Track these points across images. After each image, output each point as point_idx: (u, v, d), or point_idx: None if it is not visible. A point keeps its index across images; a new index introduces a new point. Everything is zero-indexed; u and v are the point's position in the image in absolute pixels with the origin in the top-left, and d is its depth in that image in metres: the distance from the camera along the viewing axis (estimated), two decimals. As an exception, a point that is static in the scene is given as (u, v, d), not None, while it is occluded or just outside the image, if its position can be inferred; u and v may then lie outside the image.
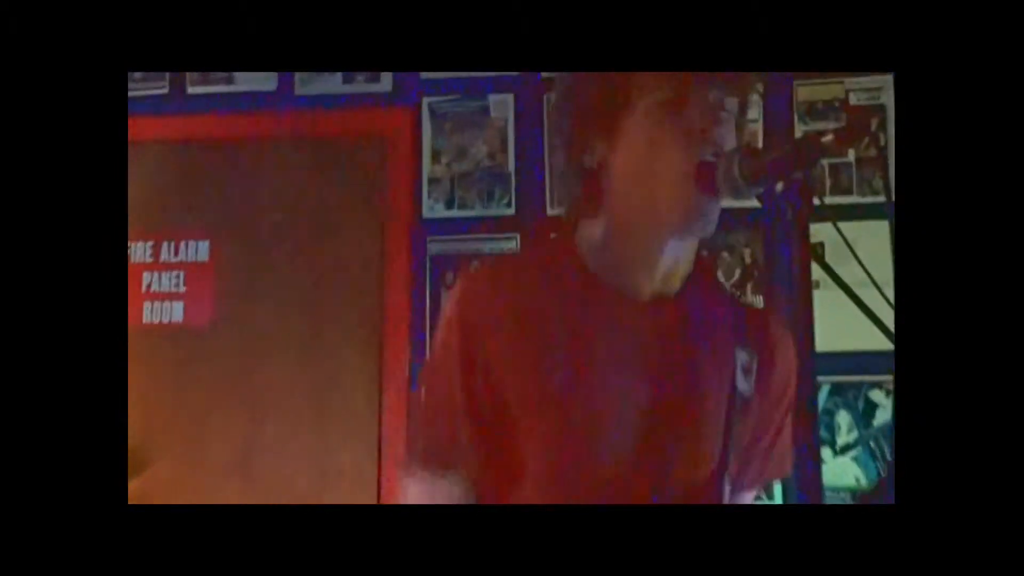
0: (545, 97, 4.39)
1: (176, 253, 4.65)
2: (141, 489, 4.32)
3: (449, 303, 1.92)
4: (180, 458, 4.44)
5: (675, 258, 1.91)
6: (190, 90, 4.57)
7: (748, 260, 4.22)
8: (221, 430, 4.54)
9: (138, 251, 4.64)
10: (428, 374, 1.95)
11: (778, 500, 3.82)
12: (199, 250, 4.66)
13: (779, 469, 2.05)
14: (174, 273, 4.64)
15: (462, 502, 1.89)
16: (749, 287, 4.22)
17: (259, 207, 4.65)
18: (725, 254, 4.21)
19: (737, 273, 4.22)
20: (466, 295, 1.90)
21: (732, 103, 1.84)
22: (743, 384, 1.94)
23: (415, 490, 1.92)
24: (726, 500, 1.91)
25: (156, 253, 4.66)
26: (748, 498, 2.07)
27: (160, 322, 4.59)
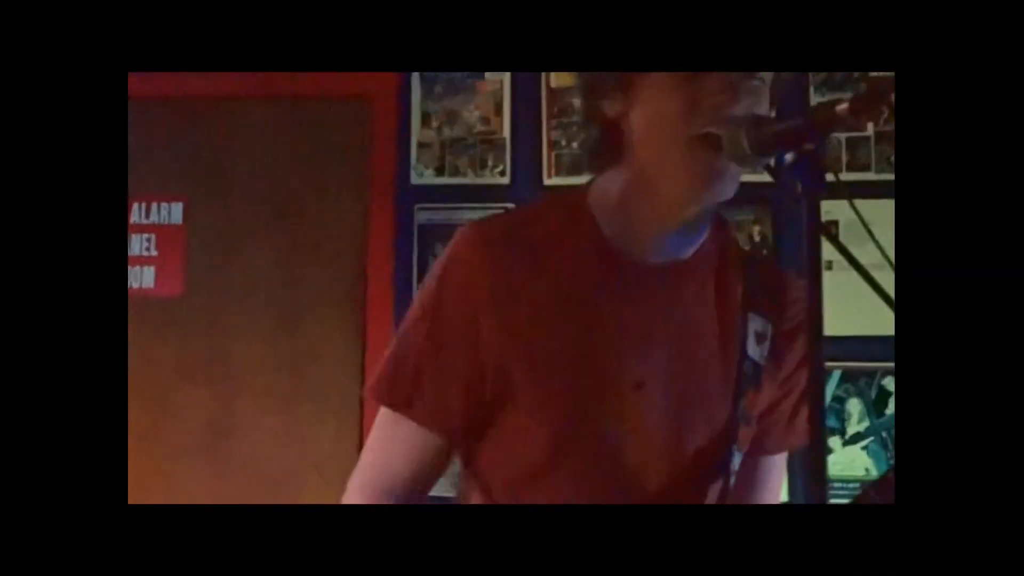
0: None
1: (148, 215, 4.68)
2: None
3: (449, 247, 1.98)
4: (142, 436, 4.44)
5: (690, 223, 1.97)
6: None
7: (757, 237, 4.26)
8: (188, 407, 4.58)
9: None
10: (409, 316, 2.04)
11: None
12: (172, 212, 4.70)
13: (801, 436, 2.08)
14: (145, 236, 4.67)
15: (421, 446, 1.98)
16: (758, 257, 4.26)
17: (236, 170, 4.69)
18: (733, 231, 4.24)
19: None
20: (466, 245, 1.96)
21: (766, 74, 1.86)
22: (754, 351, 2.01)
23: (379, 424, 2.02)
24: (735, 468, 1.99)
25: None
26: (777, 462, 2.14)
27: (131, 287, 4.59)
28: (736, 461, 2.01)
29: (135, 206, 4.67)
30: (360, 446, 4.27)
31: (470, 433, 2.00)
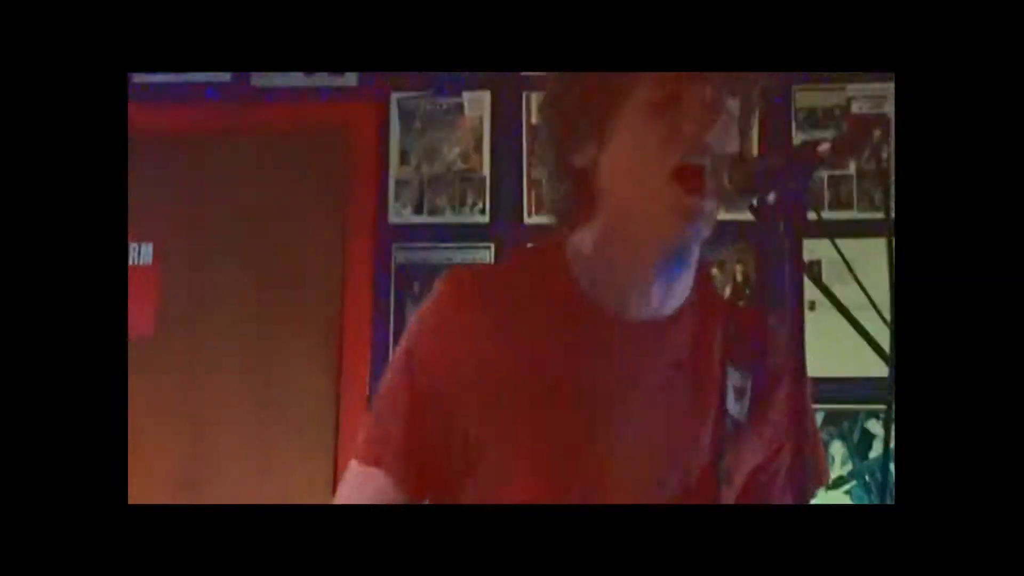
0: (524, 94, 4.39)
1: (118, 256, 4.67)
2: None
3: (424, 305, 1.98)
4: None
5: (670, 279, 1.95)
6: (135, 79, 4.30)
7: (739, 277, 4.26)
8: (162, 448, 4.51)
9: None
10: (386, 374, 2.00)
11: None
12: (142, 253, 4.65)
13: (817, 478, 2.06)
14: None
15: (386, 500, 1.95)
16: (741, 305, 4.19)
17: (208, 208, 4.65)
18: (715, 270, 4.17)
19: (727, 291, 4.24)
20: (441, 302, 1.96)
21: (733, 105, 1.86)
22: (734, 407, 1.97)
23: (347, 477, 2.00)
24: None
25: None
26: None
27: None
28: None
29: (104, 248, 4.61)
30: (334, 487, 4.30)
31: (443, 490, 1.99)
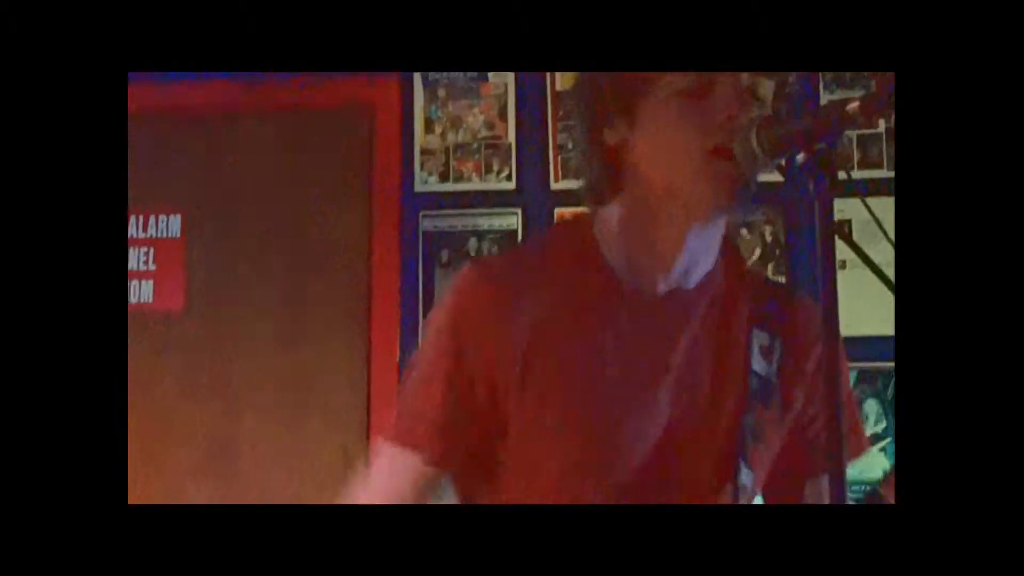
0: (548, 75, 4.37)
1: (145, 228, 4.65)
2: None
3: (453, 287, 2.00)
4: (145, 457, 4.41)
5: (696, 252, 1.99)
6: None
7: (769, 238, 4.24)
8: (192, 426, 4.55)
9: None
10: (418, 354, 2.04)
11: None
12: (171, 225, 4.67)
13: (856, 447, 2.10)
14: (143, 249, 4.61)
15: (423, 486, 2.00)
16: (771, 267, 4.24)
17: (235, 180, 4.66)
18: (744, 231, 4.20)
19: (757, 252, 4.23)
20: (470, 284, 1.98)
21: (767, 87, 1.88)
22: (760, 366, 2.03)
23: (379, 462, 2.05)
24: (744, 484, 1.99)
25: None
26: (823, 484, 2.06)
27: (129, 302, 4.53)
28: (747, 478, 2.01)
29: (132, 219, 4.64)
30: (367, 462, 4.32)
31: (473, 470, 2.03)
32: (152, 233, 4.69)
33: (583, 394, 1.96)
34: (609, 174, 1.99)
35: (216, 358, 4.61)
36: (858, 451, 2.14)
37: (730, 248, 2.09)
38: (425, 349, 2.04)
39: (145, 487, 4.30)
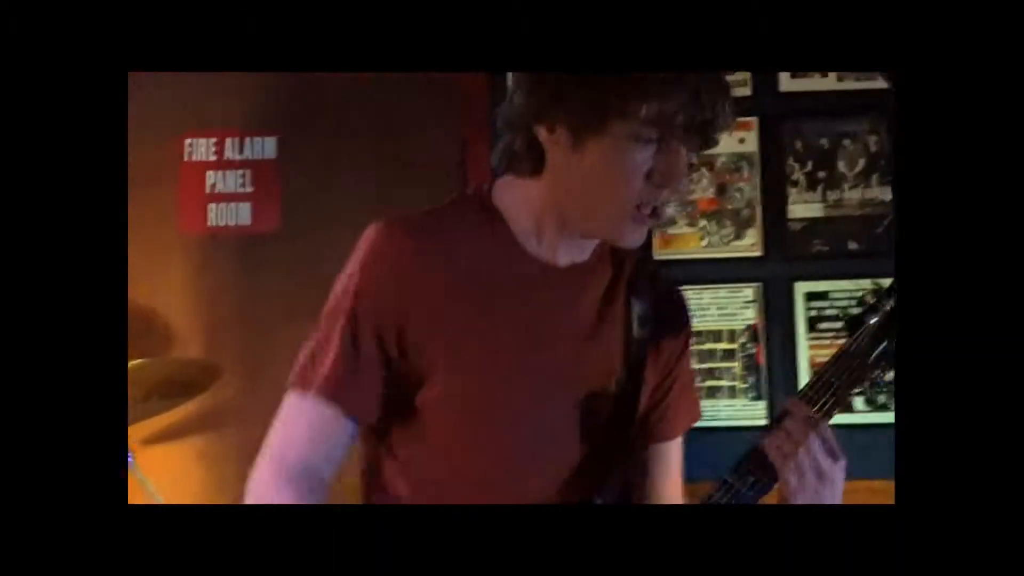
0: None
1: (241, 150, 4.71)
2: (206, 408, 4.47)
3: (362, 242, 2.12)
4: (252, 373, 4.53)
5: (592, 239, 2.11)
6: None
7: (874, 148, 4.22)
8: (290, 345, 4.66)
9: (200, 148, 4.70)
10: (331, 306, 2.15)
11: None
12: (265, 146, 4.72)
13: (695, 415, 2.27)
14: (239, 172, 4.70)
15: (341, 431, 2.06)
16: (875, 178, 4.24)
17: (328, 102, 4.66)
18: (847, 142, 4.20)
19: (861, 163, 4.23)
20: (380, 239, 2.08)
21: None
22: (639, 333, 2.14)
23: (287, 409, 2.11)
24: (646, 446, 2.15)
25: (220, 150, 4.71)
26: (674, 447, 2.27)
27: (227, 224, 4.66)
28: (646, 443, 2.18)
29: (228, 141, 4.71)
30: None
31: (385, 419, 2.09)
32: (248, 155, 4.74)
33: (487, 359, 2.03)
34: (531, 156, 2.05)
35: (312, 278, 4.60)
36: (693, 419, 2.29)
37: None
38: (335, 294, 2.15)
39: (248, 403, 4.49)
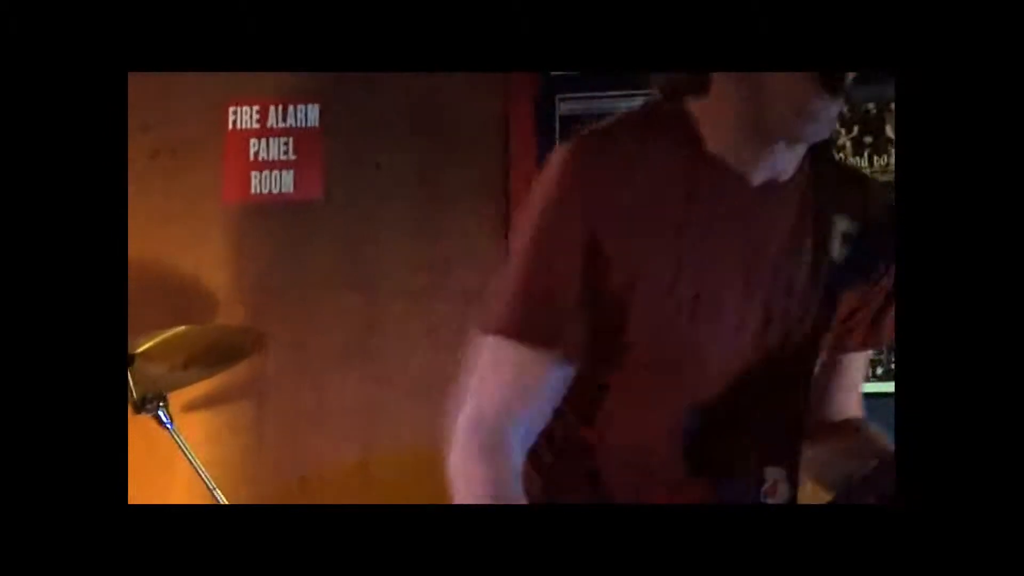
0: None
1: (284, 118, 4.71)
2: (247, 376, 4.52)
3: (548, 168, 2.01)
4: (294, 342, 4.60)
5: (791, 148, 2.02)
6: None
7: None
8: (337, 311, 4.65)
9: (244, 116, 4.71)
10: (536, 238, 1.99)
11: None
12: (308, 114, 4.71)
13: (885, 337, 2.18)
14: (283, 140, 4.71)
15: (557, 379, 2.00)
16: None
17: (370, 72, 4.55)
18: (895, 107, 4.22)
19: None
20: (580, 165, 1.98)
21: None
22: (838, 253, 2.08)
23: (507, 357, 2.00)
24: (821, 359, 2.09)
25: (263, 118, 4.72)
26: (856, 360, 2.25)
27: (270, 192, 4.69)
28: (823, 355, 2.11)
29: (271, 109, 4.72)
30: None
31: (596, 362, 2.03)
32: (291, 123, 4.74)
33: (679, 274, 2.00)
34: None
35: (356, 245, 4.68)
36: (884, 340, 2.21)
37: (821, 144, 2.11)
38: (530, 224, 2.01)
39: (294, 370, 4.60)
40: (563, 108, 4.47)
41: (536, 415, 2.02)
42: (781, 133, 1.96)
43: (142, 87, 3.87)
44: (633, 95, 4.15)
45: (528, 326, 1.98)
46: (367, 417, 4.60)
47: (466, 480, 1.97)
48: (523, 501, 1.93)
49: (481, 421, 1.99)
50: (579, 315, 1.96)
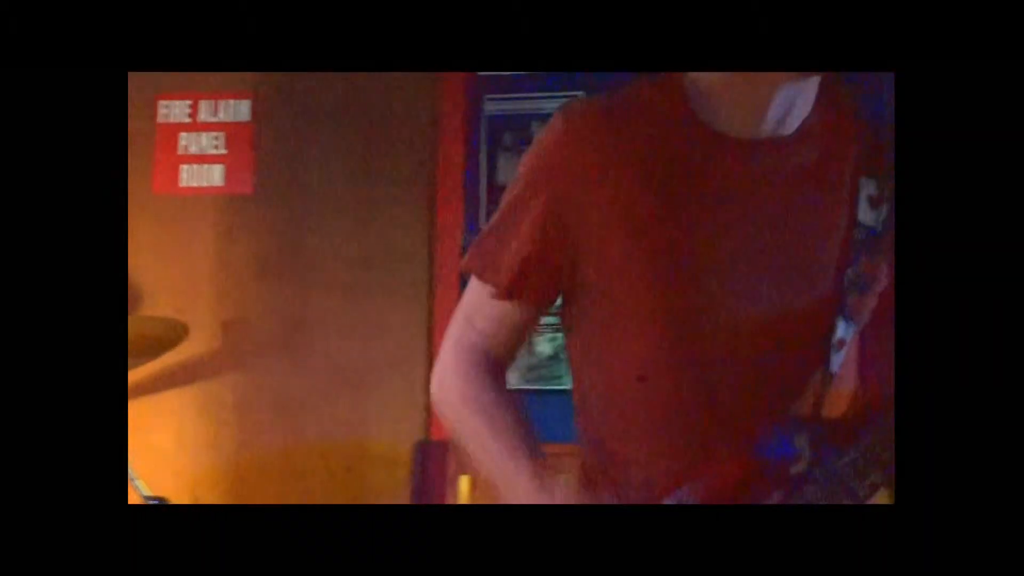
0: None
1: (216, 112, 4.76)
2: (173, 366, 4.55)
3: (546, 130, 2.02)
4: (224, 332, 4.66)
5: (791, 98, 1.98)
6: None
7: None
8: (264, 304, 4.72)
9: (175, 110, 4.75)
10: (510, 195, 2.07)
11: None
12: (239, 109, 4.77)
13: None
14: (214, 134, 4.76)
15: (519, 320, 2.09)
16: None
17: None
18: None
19: None
20: (564, 127, 2.00)
21: None
22: (867, 216, 2.02)
23: (473, 286, 2.12)
24: (842, 337, 2.00)
25: (194, 112, 4.77)
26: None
27: (199, 186, 4.73)
28: (845, 330, 2.01)
29: (202, 104, 4.76)
30: (429, 339, 4.41)
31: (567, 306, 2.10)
32: (222, 117, 4.79)
33: (674, 237, 1.98)
34: None
35: (286, 239, 4.74)
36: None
37: (835, 93, 2.07)
38: (522, 179, 2.08)
39: (224, 360, 4.67)
40: (490, 108, 4.55)
41: (514, 350, 2.17)
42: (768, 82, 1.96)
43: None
44: (560, 96, 4.20)
45: (484, 267, 2.09)
46: (293, 409, 4.64)
47: (445, 392, 2.14)
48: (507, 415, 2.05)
49: (458, 340, 2.14)
50: (535, 268, 2.02)
